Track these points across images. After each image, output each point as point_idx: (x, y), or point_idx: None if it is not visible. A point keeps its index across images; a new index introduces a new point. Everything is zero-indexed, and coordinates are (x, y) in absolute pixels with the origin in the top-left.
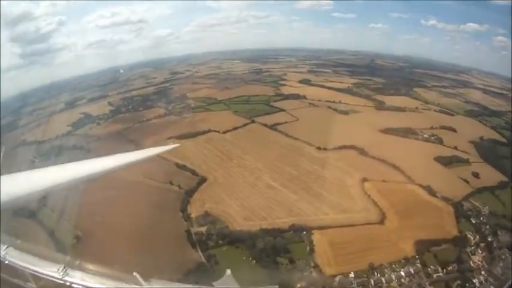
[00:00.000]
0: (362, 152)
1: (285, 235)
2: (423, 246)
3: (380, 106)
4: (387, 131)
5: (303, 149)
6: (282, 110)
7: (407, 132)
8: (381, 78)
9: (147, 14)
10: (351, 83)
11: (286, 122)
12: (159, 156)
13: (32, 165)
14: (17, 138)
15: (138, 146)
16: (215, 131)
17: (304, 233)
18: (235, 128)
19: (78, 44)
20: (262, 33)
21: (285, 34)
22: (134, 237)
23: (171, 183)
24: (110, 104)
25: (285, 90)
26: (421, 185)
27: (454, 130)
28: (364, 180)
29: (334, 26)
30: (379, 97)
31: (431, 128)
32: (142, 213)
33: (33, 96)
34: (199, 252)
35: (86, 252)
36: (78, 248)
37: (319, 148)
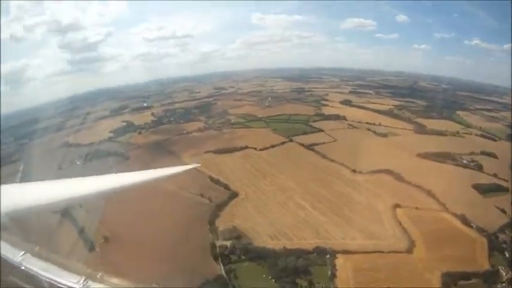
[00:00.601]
0: (397, 176)
1: (308, 256)
2: (451, 279)
3: (420, 129)
4: (425, 155)
5: (337, 171)
6: (320, 130)
7: (446, 158)
8: (422, 101)
9: (193, 30)
10: (392, 105)
11: (323, 143)
12: (194, 168)
13: (72, 167)
14: (60, 139)
15: (176, 158)
16: (252, 147)
17: (328, 256)
18: (272, 146)
19: (125, 55)
20: (306, 53)
21: (328, 54)
22: (159, 244)
23: (202, 196)
24: (152, 114)
25: (326, 111)
26: (455, 214)
27: (495, 156)
28: (397, 206)
29: (377, 46)
30: (420, 120)
31: (471, 153)
32: (170, 221)
33: (79, 101)
34: (220, 265)
35: (111, 253)
36: (105, 247)
37: (354, 171)
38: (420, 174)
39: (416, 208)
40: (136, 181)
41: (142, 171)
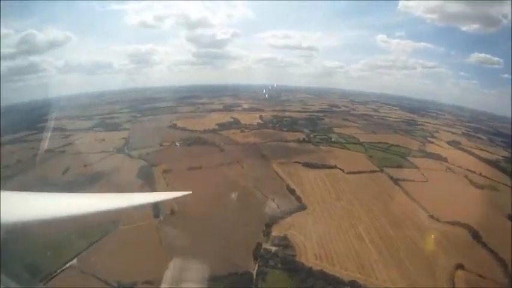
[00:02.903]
0: (475, 234)
1: (339, 287)
2: None
3: None
4: None
5: (414, 212)
6: (416, 167)
7: None
8: None
9: (318, 43)
10: (502, 156)
11: (413, 180)
12: (276, 173)
13: (171, 146)
14: (169, 121)
15: (265, 161)
16: (340, 169)
17: None
18: (360, 172)
19: (250, 57)
20: (428, 84)
21: (450, 89)
22: (213, 226)
23: (273, 200)
24: (260, 117)
25: (429, 148)
26: None
27: None
28: (459, 266)
29: (502, 88)
30: None
31: None
32: (232, 212)
33: (198, 91)
34: (256, 265)
35: (175, 221)
36: (173, 217)
37: (431, 216)
38: (502, 239)
39: (480, 276)
40: (133, 203)
41: (140, 194)
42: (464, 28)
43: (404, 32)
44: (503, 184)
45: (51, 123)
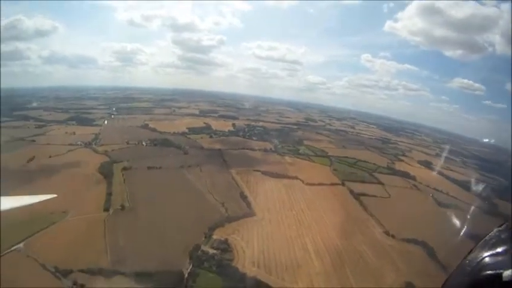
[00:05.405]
0: (430, 253)
1: None
2: None
3: (491, 210)
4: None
5: (369, 228)
6: (380, 183)
7: None
8: (508, 180)
9: (303, 58)
10: (473, 178)
11: (374, 196)
12: (233, 179)
13: (137, 146)
14: (143, 121)
15: (225, 168)
16: (300, 180)
17: None
18: (320, 184)
19: (235, 65)
20: (409, 106)
21: (431, 112)
22: (153, 227)
23: (223, 205)
24: (233, 125)
25: (398, 166)
26: None
27: None
28: (409, 284)
29: (481, 114)
30: (497, 201)
31: None
32: (179, 213)
33: (178, 94)
34: (190, 265)
35: (123, 217)
36: (122, 212)
37: (387, 233)
38: (460, 257)
39: None
40: None
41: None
42: (448, 53)
43: (389, 53)
44: (470, 204)
45: (28, 112)
